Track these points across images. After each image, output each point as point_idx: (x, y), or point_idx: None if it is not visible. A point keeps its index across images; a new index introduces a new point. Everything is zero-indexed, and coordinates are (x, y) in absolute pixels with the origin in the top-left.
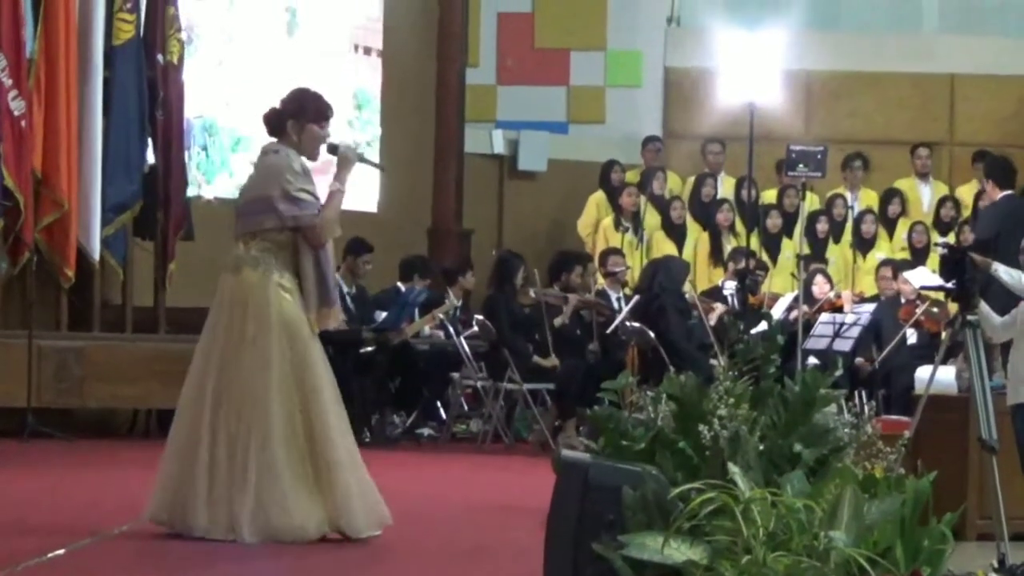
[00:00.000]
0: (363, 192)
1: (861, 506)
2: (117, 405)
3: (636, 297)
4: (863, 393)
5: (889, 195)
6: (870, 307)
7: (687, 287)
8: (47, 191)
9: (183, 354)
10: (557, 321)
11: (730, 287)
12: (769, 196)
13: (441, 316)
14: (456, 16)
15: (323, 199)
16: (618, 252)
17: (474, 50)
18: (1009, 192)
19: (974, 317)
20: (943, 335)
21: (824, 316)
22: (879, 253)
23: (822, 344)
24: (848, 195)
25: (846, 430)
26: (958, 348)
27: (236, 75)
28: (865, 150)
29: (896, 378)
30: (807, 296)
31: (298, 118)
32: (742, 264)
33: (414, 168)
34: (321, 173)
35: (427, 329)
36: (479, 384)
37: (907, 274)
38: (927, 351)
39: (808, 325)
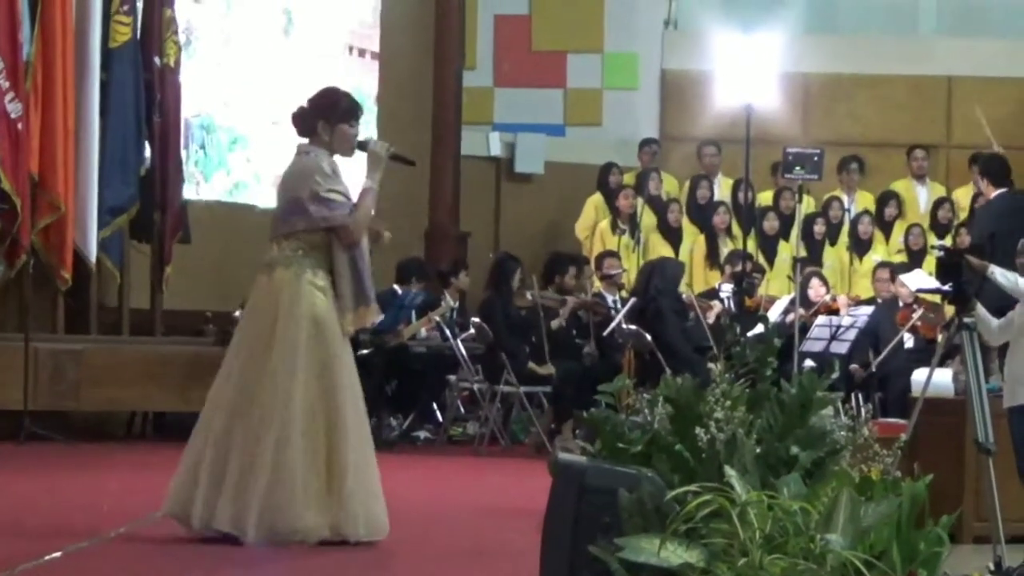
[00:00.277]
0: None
1: (857, 509)
2: (114, 408)
3: (632, 300)
4: (859, 396)
5: (885, 197)
6: (867, 310)
7: (684, 288)
8: (44, 193)
9: (180, 357)
10: (554, 324)
11: (727, 290)
12: (765, 198)
13: (437, 319)
14: (453, 18)
15: (355, 198)
16: (614, 255)
17: (471, 52)
18: (1004, 190)
19: (971, 320)
20: (939, 338)
21: (820, 319)
22: (875, 255)
23: (818, 347)
24: (844, 197)
25: (842, 433)
26: (955, 351)
27: (234, 76)
28: (862, 152)
29: (892, 381)
30: (803, 299)
31: (328, 118)
32: (739, 267)
33: (411, 171)
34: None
35: (423, 332)
36: (476, 387)
37: (903, 277)
38: (924, 355)
39: (804, 328)
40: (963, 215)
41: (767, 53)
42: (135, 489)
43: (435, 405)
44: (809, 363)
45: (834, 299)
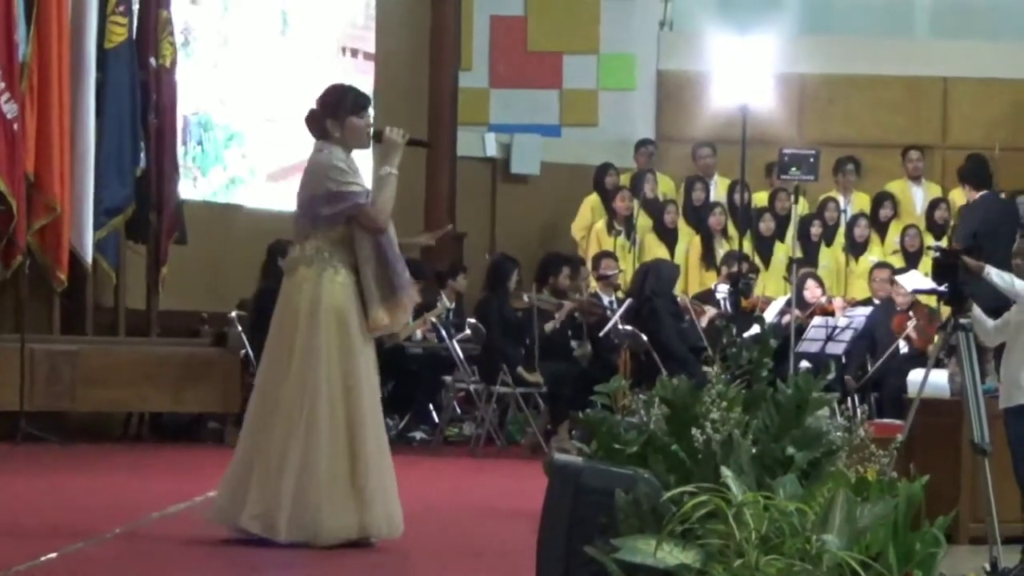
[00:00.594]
0: None
1: (854, 510)
2: (110, 409)
3: (628, 300)
4: (855, 397)
5: (880, 198)
6: (863, 311)
7: (679, 290)
8: (39, 194)
9: (176, 357)
10: (548, 327)
11: (723, 290)
12: (760, 199)
13: (433, 319)
14: (449, 19)
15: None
16: (611, 255)
17: (467, 53)
18: (986, 192)
19: (967, 320)
20: (935, 338)
21: (816, 319)
22: (871, 256)
23: (815, 348)
24: (840, 198)
25: (839, 433)
26: (951, 352)
27: (230, 75)
28: (858, 153)
29: (888, 382)
30: (799, 300)
31: (336, 115)
32: (735, 268)
33: (407, 172)
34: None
35: (419, 333)
36: (472, 387)
37: (899, 277)
38: (919, 360)
39: (800, 329)
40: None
41: (763, 54)
42: (131, 490)
43: (431, 406)
44: (805, 364)
45: (830, 301)
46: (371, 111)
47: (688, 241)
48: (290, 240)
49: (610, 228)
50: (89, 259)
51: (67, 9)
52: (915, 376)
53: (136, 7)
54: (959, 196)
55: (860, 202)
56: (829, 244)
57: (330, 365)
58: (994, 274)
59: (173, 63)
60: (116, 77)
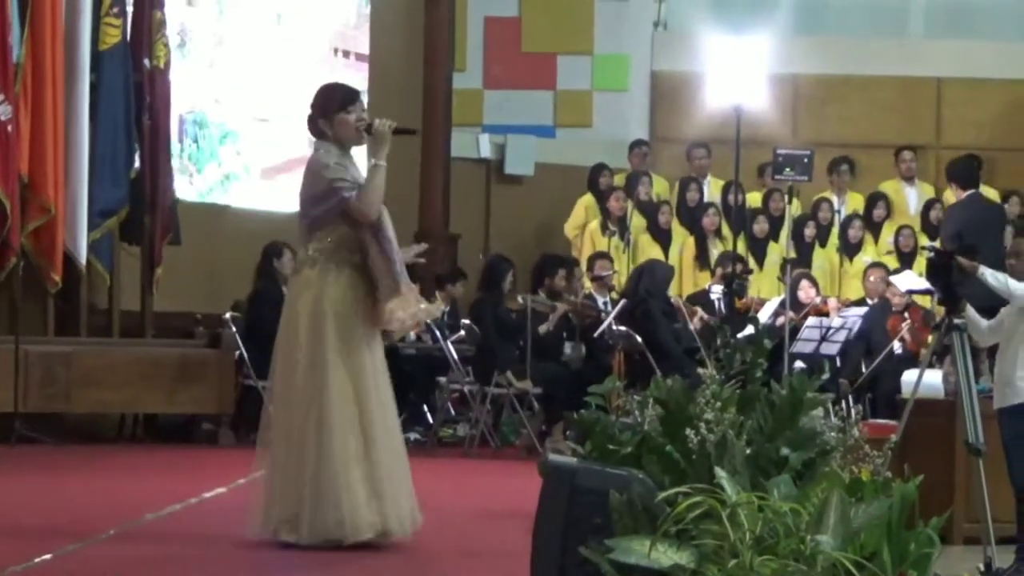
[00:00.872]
0: None
1: (848, 510)
2: (104, 410)
3: (622, 301)
4: (850, 397)
5: (874, 199)
6: (858, 311)
7: (672, 291)
8: (34, 196)
9: (170, 359)
10: (542, 329)
11: (717, 291)
12: (753, 199)
13: (428, 321)
14: (443, 20)
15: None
16: (605, 256)
17: (460, 54)
18: (972, 191)
19: (961, 321)
20: (929, 339)
21: (811, 320)
22: (866, 257)
23: (809, 348)
24: (834, 199)
25: (833, 434)
26: (945, 352)
27: (225, 75)
28: (852, 154)
29: (883, 382)
30: (793, 301)
31: (326, 115)
32: (729, 269)
33: (401, 173)
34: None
35: (413, 334)
36: (466, 388)
37: (893, 278)
38: (913, 362)
39: (795, 329)
40: None
41: (757, 54)
42: (126, 491)
43: (425, 407)
44: (799, 364)
45: (824, 301)
46: (364, 105)
47: (682, 242)
48: (285, 242)
49: (604, 229)
50: (83, 260)
51: (61, 11)
52: (909, 376)
53: (130, 8)
54: (952, 196)
55: (854, 202)
56: (823, 245)
57: (335, 366)
58: (988, 274)
59: (167, 64)
60: (110, 78)
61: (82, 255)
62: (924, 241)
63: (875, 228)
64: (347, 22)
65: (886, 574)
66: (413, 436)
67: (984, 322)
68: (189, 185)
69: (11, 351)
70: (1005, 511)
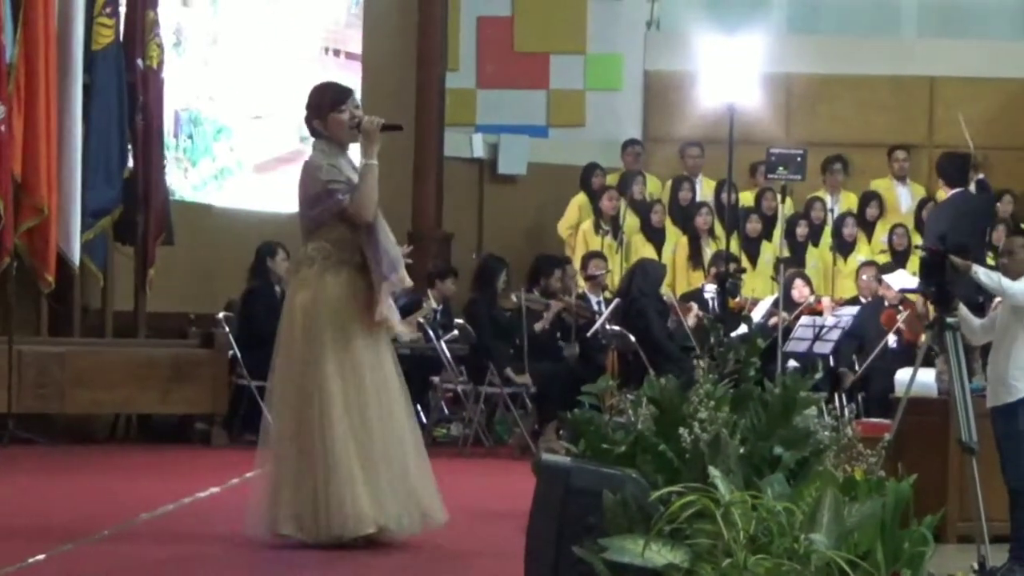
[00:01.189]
0: None
1: (841, 509)
2: (98, 410)
3: (616, 301)
4: (843, 396)
5: (867, 197)
6: (851, 310)
7: (666, 290)
8: (27, 196)
9: (164, 359)
10: (537, 327)
11: (710, 290)
12: (746, 199)
13: (420, 320)
14: (435, 20)
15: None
16: (599, 255)
17: (453, 54)
18: (960, 189)
19: (954, 319)
20: (923, 337)
21: (804, 319)
22: (859, 256)
23: (802, 347)
24: (828, 198)
25: (826, 433)
26: (932, 351)
27: (219, 73)
28: (845, 153)
29: (876, 381)
30: (786, 300)
31: (319, 115)
32: (722, 268)
33: (394, 172)
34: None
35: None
36: (459, 388)
37: (886, 277)
38: (907, 357)
39: (788, 328)
40: None
41: (750, 54)
42: (120, 491)
43: (418, 406)
44: (793, 364)
45: (818, 301)
46: (357, 101)
47: (675, 241)
48: (279, 241)
49: (597, 228)
50: (76, 261)
51: (54, 11)
52: (902, 375)
53: (123, 9)
54: (944, 196)
55: (848, 201)
56: (816, 244)
57: (333, 365)
58: (981, 273)
59: (160, 64)
60: (103, 79)
61: (75, 255)
62: (917, 240)
63: (868, 227)
64: (337, 21)
65: (880, 573)
66: None
67: (977, 320)
68: (184, 179)
69: (4, 351)
70: (999, 510)
